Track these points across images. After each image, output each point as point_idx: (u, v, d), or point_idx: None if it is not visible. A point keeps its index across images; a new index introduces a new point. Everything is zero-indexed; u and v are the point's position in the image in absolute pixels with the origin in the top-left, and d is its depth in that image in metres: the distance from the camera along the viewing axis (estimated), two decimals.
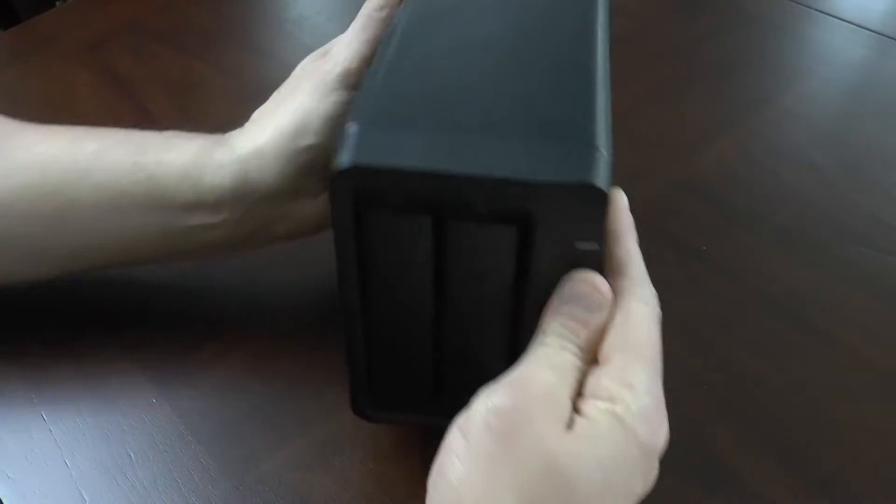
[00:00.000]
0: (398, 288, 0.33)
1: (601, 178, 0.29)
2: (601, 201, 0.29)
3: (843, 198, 0.53)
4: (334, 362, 0.47)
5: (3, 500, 0.42)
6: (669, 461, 0.41)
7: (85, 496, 0.42)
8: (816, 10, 0.69)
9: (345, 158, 0.29)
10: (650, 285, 0.33)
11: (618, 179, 0.59)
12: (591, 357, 0.31)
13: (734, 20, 0.69)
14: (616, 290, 0.31)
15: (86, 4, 0.79)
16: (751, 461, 0.40)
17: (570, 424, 0.28)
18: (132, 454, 0.43)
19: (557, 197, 0.29)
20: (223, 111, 0.64)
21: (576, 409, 0.29)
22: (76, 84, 0.69)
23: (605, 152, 0.29)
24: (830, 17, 0.68)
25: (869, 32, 0.66)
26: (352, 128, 0.30)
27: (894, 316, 0.46)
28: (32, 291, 0.52)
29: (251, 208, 0.40)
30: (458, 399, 0.33)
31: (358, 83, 0.38)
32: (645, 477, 0.29)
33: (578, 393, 0.29)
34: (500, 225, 0.30)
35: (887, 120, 0.58)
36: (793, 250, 0.50)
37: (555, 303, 0.31)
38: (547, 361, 0.29)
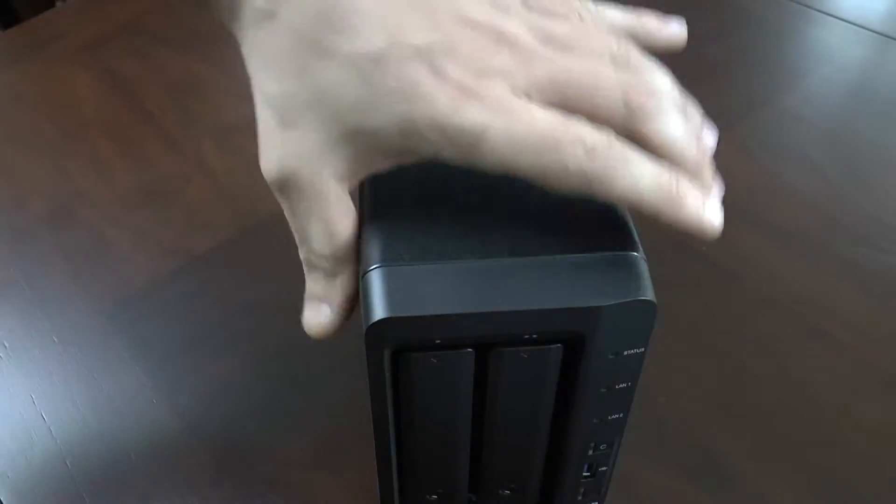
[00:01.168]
0: (438, 421, 0.31)
1: (649, 287, 0.27)
2: (652, 312, 0.28)
3: (843, 198, 0.53)
4: (335, 362, 0.47)
5: (3, 501, 0.42)
6: (670, 461, 0.41)
7: (85, 496, 0.42)
8: (816, 10, 0.69)
9: (377, 311, 0.26)
10: None
11: None
12: None
13: (734, 20, 0.69)
14: None
15: (86, 4, 0.79)
16: (750, 461, 0.40)
17: None
18: (132, 454, 0.43)
19: (609, 315, 0.27)
20: (223, 111, 0.64)
21: None
22: (76, 84, 0.69)
23: (642, 254, 0.28)
24: (830, 17, 0.68)
25: (869, 32, 0.66)
26: (375, 275, 0.27)
27: (894, 316, 0.46)
28: (32, 291, 0.52)
29: None
30: (492, 495, 0.34)
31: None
32: None
33: None
34: (547, 346, 0.28)
35: (887, 120, 0.58)
36: (793, 250, 0.50)
37: None
38: None
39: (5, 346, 0.49)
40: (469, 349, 0.28)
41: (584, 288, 0.27)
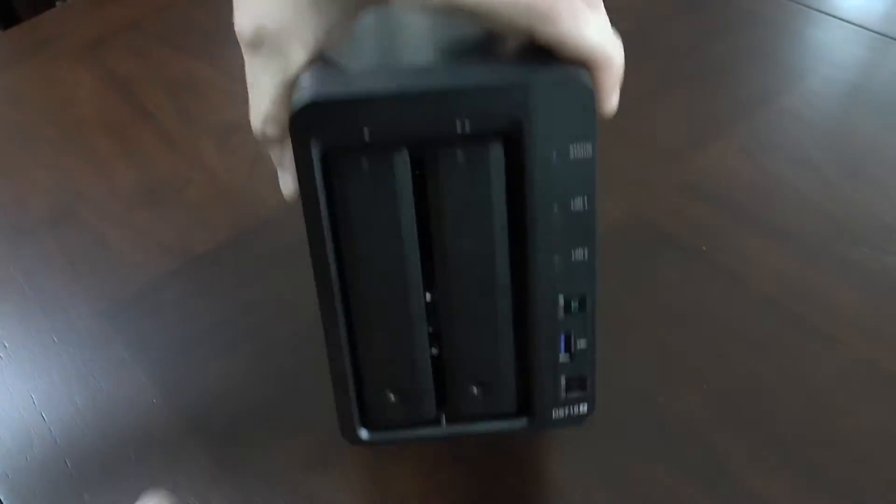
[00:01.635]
0: (381, 254, 0.29)
1: (586, 77, 0.27)
2: (590, 101, 0.27)
3: (843, 198, 0.53)
4: None
5: (3, 501, 0.42)
6: (670, 461, 0.41)
7: (85, 496, 0.42)
8: (816, 10, 0.69)
9: (303, 95, 0.26)
10: None
11: (618, 179, 0.59)
12: None
13: (734, 20, 0.69)
14: None
15: (86, 4, 0.79)
16: (750, 461, 0.40)
17: None
18: (132, 454, 0.43)
19: (542, 95, 0.26)
20: (223, 111, 0.64)
21: None
22: (76, 84, 0.69)
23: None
24: (830, 17, 0.68)
25: (869, 32, 0.66)
26: (305, 76, 0.28)
27: (894, 316, 0.46)
28: (32, 291, 0.52)
29: None
30: (462, 395, 0.31)
31: None
32: None
33: None
34: (486, 143, 0.27)
35: (887, 120, 0.58)
36: (793, 250, 0.50)
37: None
38: None
39: (5, 346, 0.49)
40: (403, 150, 0.27)
41: (516, 71, 0.27)
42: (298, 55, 0.29)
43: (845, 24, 0.67)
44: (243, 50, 0.30)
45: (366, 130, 0.26)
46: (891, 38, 0.65)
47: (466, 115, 0.27)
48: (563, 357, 0.32)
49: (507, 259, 0.30)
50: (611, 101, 0.29)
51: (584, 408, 0.34)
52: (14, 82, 0.71)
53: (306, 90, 0.27)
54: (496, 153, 0.27)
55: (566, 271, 0.30)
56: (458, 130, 0.27)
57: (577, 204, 0.29)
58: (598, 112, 0.29)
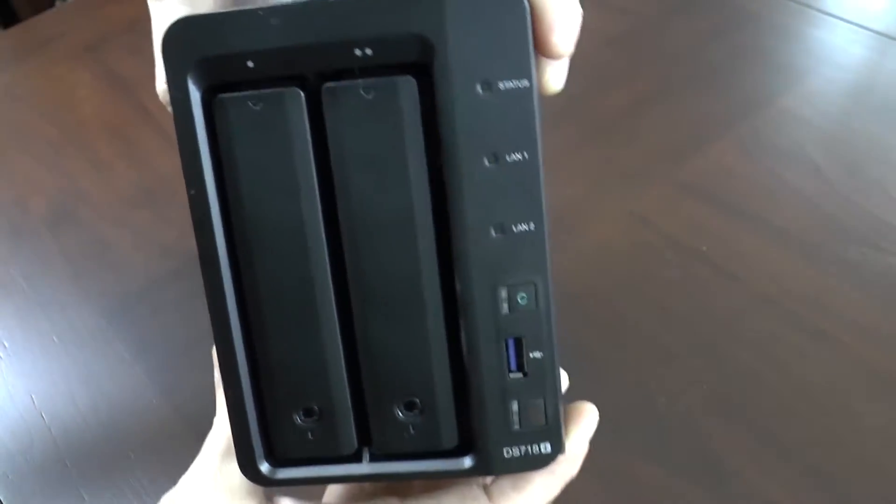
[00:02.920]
0: (273, 220, 0.23)
1: None
2: (521, 9, 0.22)
3: (843, 198, 0.53)
4: None
5: (3, 501, 0.42)
6: (669, 461, 0.41)
7: (85, 496, 0.42)
8: (816, 10, 0.69)
9: (174, 22, 0.22)
10: None
11: (618, 179, 0.59)
12: None
13: (734, 20, 0.69)
14: None
15: (86, 4, 0.79)
16: (750, 461, 0.40)
17: None
18: (132, 454, 0.43)
19: (463, 13, 0.21)
20: None
21: None
22: (76, 84, 0.69)
23: None
24: (830, 17, 0.68)
25: (869, 32, 0.66)
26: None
27: (894, 316, 0.46)
28: (32, 291, 0.52)
29: None
30: (386, 424, 0.24)
31: None
32: None
33: None
34: (393, 78, 0.22)
35: (887, 120, 0.58)
36: (793, 250, 0.50)
37: None
38: None
39: (5, 346, 0.49)
40: (295, 87, 0.22)
41: None
42: (204, 4, 0.26)
43: (845, 24, 0.67)
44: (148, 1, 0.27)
45: (249, 59, 0.22)
46: (891, 38, 0.65)
47: (365, 39, 0.22)
48: (512, 373, 0.24)
49: (431, 230, 0.23)
50: (558, 32, 0.22)
51: (546, 447, 0.25)
52: (14, 82, 0.71)
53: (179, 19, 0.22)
54: (407, 93, 0.22)
55: (506, 249, 0.23)
56: (358, 56, 0.22)
57: (514, 154, 0.22)
58: (548, 44, 0.22)
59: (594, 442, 0.42)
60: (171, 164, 0.60)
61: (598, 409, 0.42)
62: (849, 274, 0.48)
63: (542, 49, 0.22)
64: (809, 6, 0.70)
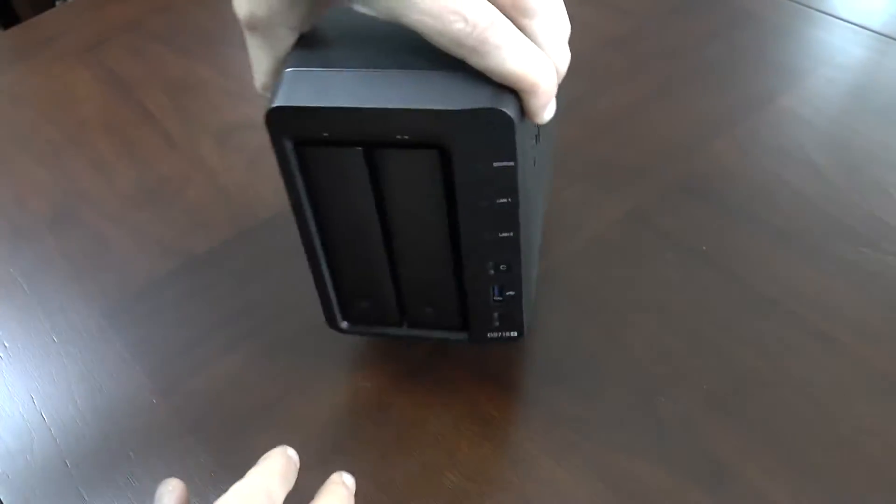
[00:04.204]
0: (348, 217, 0.37)
1: (511, 103, 0.32)
2: (509, 125, 0.32)
3: (843, 198, 0.53)
4: (335, 361, 0.47)
5: (3, 501, 0.42)
6: (669, 461, 0.41)
7: (85, 496, 0.42)
8: (816, 10, 0.69)
9: (277, 100, 0.33)
10: None
11: (618, 179, 0.59)
12: None
13: (734, 20, 0.69)
14: None
15: (86, 4, 0.79)
16: (750, 461, 0.40)
17: None
18: (132, 454, 0.43)
19: (463, 120, 0.32)
20: (223, 111, 0.64)
21: None
22: (76, 84, 0.69)
23: (517, 108, 0.32)
24: (830, 17, 0.68)
25: (869, 32, 0.66)
26: (284, 75, 0.34)
27: (894, 316, 0.46)
28: (32, 291, 0.52)
29: None
30: (418, 311, 0.41)
31: None
32: None
33: None
34: (423, 150, 0.34)
35: (887, 120, 0.58)
36: (793, 250, 0.50)
37: None
38: None
39: (5, 346, 0.49)
40: (358, 147, 0.34)
41: (446, 96, 0.32)
42: (286, 37, 0.34)
43: (845, 24, 0.67)
44: (242, 29, 0.35)
45: (325, 131, 0.33)
46: (891, 38, 0.65)
47: (404, 130, 0.33)
48: (495, 299, 0.39)
49: (447, 231, 0.37)
50: (541, 117, 0.33)
51: (514, 334, 0.41)
52: (14, 82, 0.71)
53: (280, 96, 0.33)
54: (430, 158, 0.34)
55: (494, 246, 0.37)
56: (399, 138, 0.33)
57: (502, 199, 0.35)
58: (535, 121, 0.33)
59: (594, 441, 0.42)
60: (171, 164, 0.61)
61: (598, 409, 0.42)
62: (849, 274, 0.48)
63: (530, 119, 0.33)
64: (809, 6, 0.70)
